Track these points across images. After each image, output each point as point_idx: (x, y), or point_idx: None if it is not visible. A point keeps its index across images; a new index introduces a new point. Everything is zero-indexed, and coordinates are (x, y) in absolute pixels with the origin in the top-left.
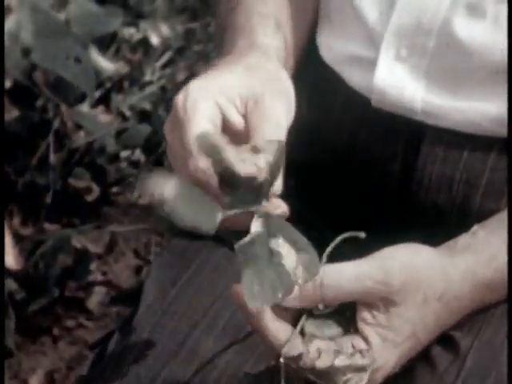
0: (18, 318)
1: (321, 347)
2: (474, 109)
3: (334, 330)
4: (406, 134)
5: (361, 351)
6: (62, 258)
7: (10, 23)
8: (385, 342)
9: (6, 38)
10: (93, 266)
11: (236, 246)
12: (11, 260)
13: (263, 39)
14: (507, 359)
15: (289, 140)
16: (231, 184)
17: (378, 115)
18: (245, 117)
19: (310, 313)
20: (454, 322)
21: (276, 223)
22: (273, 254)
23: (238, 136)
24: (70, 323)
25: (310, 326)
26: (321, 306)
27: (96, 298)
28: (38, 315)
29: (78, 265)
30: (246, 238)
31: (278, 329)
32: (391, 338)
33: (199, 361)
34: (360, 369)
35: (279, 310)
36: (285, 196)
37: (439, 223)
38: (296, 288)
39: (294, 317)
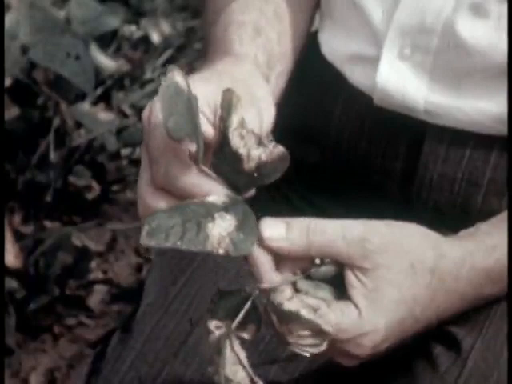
0: (18, 317)
1: (309, 302)
2: (476, 107)
3: (327, 294)
4: (408, 133)
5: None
6: (62, 256)
7: (8, 20)
8: (372, 305)
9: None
10: (93, 264)
11: None
12: (11, 258)
13: (239, 48)
14: (507, 359)
15: (290, 138)
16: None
17: (380, 114)
18: (215, 125)
19: (308, 276)
20: (454, 306)
21: (239, 208)
22: (212, 218)
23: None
24: (70, 321)
25: (304, 283)
26: (317, 261)
27: (96, 297)
28: (39, 313)
29: (78, 263)
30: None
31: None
32: (378, 300)
33: (199, 360)
34: (320, 333)
35: (280, 261)
36: (285, 195)
37: (441, 222)
38: (283, 228)
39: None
